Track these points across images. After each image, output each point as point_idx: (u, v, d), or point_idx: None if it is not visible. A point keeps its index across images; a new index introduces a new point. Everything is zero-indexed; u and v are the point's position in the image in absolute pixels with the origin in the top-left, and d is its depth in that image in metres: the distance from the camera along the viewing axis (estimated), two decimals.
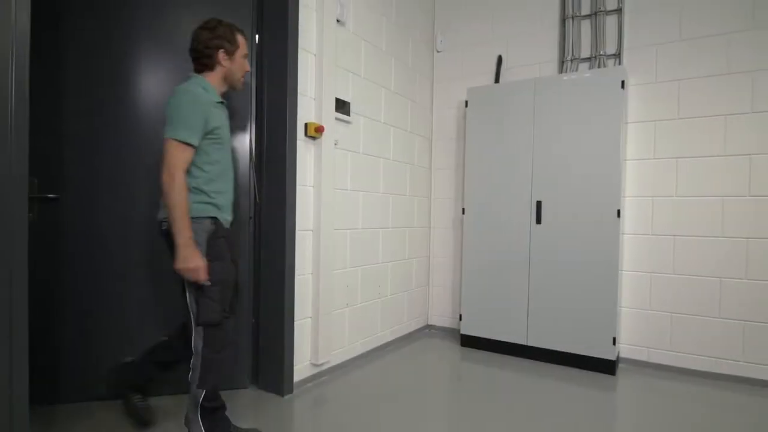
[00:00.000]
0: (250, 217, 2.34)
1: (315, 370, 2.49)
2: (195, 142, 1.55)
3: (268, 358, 2.33)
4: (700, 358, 2.68)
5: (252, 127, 2.33)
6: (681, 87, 2.74)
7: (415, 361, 2.86)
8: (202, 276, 1.54)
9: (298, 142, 2.32)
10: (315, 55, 2.41)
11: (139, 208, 2.04)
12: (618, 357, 2.82)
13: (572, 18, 3.04)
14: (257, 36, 2.32)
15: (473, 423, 2.05)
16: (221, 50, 1.66)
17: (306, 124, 2.36)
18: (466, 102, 3.15)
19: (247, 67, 1.76)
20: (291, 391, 2.32)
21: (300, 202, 2.35)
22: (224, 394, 2.21)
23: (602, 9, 2.93)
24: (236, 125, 2.23)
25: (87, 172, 2.00)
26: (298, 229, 2.34)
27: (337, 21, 2.53)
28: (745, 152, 2.58)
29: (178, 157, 1.52)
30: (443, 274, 3.58)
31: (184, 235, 1.51)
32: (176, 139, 1.52)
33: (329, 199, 2.47)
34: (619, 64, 2.89)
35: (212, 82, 1.67)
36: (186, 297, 1.63)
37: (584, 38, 3.03)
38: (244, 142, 2.29)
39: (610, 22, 2.94)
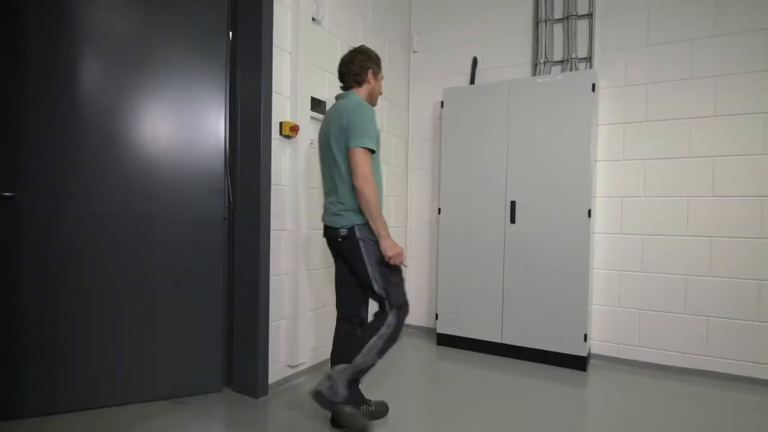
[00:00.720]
0: (225, 218, 2.30)
1: (291, 372, 2.47)
2: (376, 149, 1.80)
3: (242, 359, 2.30)
4: (667, 353, 2.77)
5: (226, 126, 2.29)
6: (648, 91, 2.82)
7: (392, 361, 2.87)
8: (401, 258, 1.82)
9: (273, 141, 2.30)
10: (290, 53, 2.39)
11: (96, 207, 1.98)
12: (589, 353, 2.89)
13: (545, 21, 3.10)
14: (230, 33, 2.28)
15: (449, 421, 2.07)
16: (370, 70, 1.96)
17: (281, 123, 2.33)
18: (442, 103, 3.17)
19: (382, 90, 1.99)
20: (266, 392, 2.29)
21: (275, 202, 2.33)
22: (196, 398, 2.17)
23: (574, 13, 3.00)
24: (209, 124, 2.19)
25: (43, 169, 1.92)
26: (273, 229, 2.31)
27: (313, 19, 2.51)
28: (708, 154, 2.68)
29: (367, 162, 1.76)
30: (420, 273, 3.60)
31: (384, 228, 1.80)
32: (364, 147, 1.75)
33: (305, 198, 2.45)
34: (590, 67, 2.96)
35: (362, 96, 1.93)
36: (372, 290, 1.87)
37: (557, 41, 3.10)
38: (219, 140, 2.25)
39: (582, 26, 3.01)
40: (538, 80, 2.84)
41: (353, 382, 1.87)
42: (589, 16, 2.97)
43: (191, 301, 2.16)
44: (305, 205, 2.46)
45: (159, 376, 2.11)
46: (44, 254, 1.91)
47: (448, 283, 3.13)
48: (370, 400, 2.00)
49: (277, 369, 2.38)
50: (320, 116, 2.59)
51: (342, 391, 1.80)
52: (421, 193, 3.59)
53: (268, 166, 2.26)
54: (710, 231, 2.67)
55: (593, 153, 2.76)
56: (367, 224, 1.83)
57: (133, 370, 2.06)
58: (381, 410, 2.03)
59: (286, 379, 2.44)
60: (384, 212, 3.11)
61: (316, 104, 2.56)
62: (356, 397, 1.90)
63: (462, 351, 3.08)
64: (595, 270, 2.96)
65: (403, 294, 1.92)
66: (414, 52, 3.63)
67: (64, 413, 1.96)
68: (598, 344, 2.95)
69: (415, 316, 3.61)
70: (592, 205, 2.76)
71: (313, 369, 2.63)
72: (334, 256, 2.02)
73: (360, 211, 1.83)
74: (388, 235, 1.81)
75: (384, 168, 3.29)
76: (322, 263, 2.69)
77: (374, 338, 1.83)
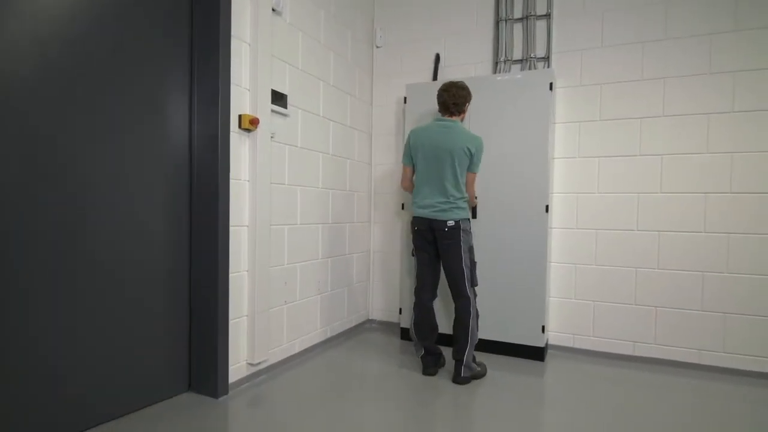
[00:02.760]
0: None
1: (252, 370, 2.42)
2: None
3: (201, 359, 2.24)
4: (620, 342, 2.90)
5: (192, 117, 2.21)
6: (603, 90, 2.93)
7: (355, 357, 2.87)
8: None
9: (232, 135, 2.24)
10: (249, 44, 2.33)
11: (43, 201, 1.87)
12: (547, 344, 2.98)
13: (505, 21, 3.16)
14: (191, 23, 2.20)
15: (410, 416, 2.08)
16: (467, 104, 2.54)
17: (240, 116, 2.27)
18: (405, 98, 3.18)
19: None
20: (226, 392, 2.24)
21: (234, 197, 2.27)
22: (158, 405, 2.09)
23: (533, 13, 3.07)
24: (176, 120, 2.11)
25: None
26: (232, 224, 2.26)
27: (273, 10, 2.46)
28: (657, 152, 2.81)
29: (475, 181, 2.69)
30: (383, 268, 3.61)
31: (473, 203, 2.65)
32: (477, 173, 2.58)
33: (265, 193, 2.41)
34: (548, 66, 3.04)
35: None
36: (461, 271, 2.45)
37: (516, 41, 3.16)
38: (184, 134, 2.16)
39: (540, 26, 3.09)
40: (499, 78, 2.89)
41: (473, 356, 2.50)
42: (547, 16, 3.05)
43: (153, 303, 2.07)
44: (267, 200, 2.41)
45: (117, 390, 1.95)
46: None
47: (411, 277, 3.16)
48: (478, 362, 2.60)
49: (237, 368, 2.33)
50: (282, 110, 2.54)
51: (473, 364, 2.49)
52: (384, 188, 3.60)
53: (226, 160, 2.20)
54: (658, 226, 2.81)
55: (550, 150, 2.85)
56: (468, 219, 2.50)
57: (84, 389, 1.83)
58: (484, 367, 2.60)
59: (247, 378, 2.39)
60: (348, 207, 3.10)
61: (278, 97, 2.51)
62: (477, 362, 2.56)
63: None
64: (552, 263, 3.06)
65: (477, 278, 2.64)
66: (377, 47, 3.62)
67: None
68: (555, 335, 3.05)
69: (379, 311, 3.62)
70: (550, 200, 2.84)
71: (275, 367, 2.59)
72: (421, 245, 2.55)
73: (465, 208, 2.48)
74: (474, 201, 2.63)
75: (347, 163, 3.28)
76: (284, 259, 2.64)
77: (472, 322, 2.44)
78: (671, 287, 2.78)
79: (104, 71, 1.85)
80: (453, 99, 2.48)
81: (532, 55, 3.08)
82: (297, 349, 2.79)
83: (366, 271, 3.59)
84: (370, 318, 3.65)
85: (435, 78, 3.36)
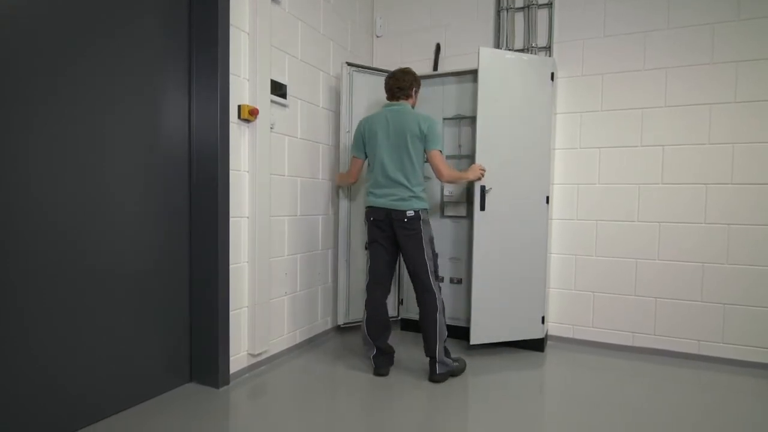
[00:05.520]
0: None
1: (253, 361, 2.43)
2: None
3: (202, 350, 2.25)
4: (619, 333, 2.91)
5: (192, 108, 2.20)
6: (604, 81, 2.91)
7: (356, 347, 2.87)
8: (480, 172, 2.57)
9: (231, 125, 2.23)
10: (248, 33, 2.31)
11: (46, 195, 1.86)
12: (546, 335, 2.99)
13: (507, 10, 3.13)
14: (188, 13, 2.18)
15: (414, 405, 2.09)
16: (414, 89, 2.46)
17: (239, 107, 2.26)
18: None
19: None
20: (227, 382, 2.25)
21: (234, 188, 2.26)
22: (160, 397, 2.10)
23: (534, 2, 3.04)
24: (175, 111, 2.09)
25: None
26: (232, 216, 2.25)
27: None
28: (659, 143, 2.80)
29: (443, 158, 2.38)
30: None
31: (465, 177, 2.51)
32: (440, 150, 2.35)
33: (265, 184, 2.40)
34: (550, 56, 3.02)
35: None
36: (423, 264, 2.33)
37: (518, 30, 3.14)
38: (183, 125, 2.15)
39: (542, 15, 3.06)
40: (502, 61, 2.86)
41: (446, 350, 2.38)
42: (549, 5, 3.02)
43: (153, 295, 2.07)
44: (267, 191, 2.41)
45: (119, 383, 1.95)
46: None
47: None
48: (454, 358, 2.47)
49: (238, 358, 2.34)
50: (281, 100, 2.53)
51: (447, 360, 2.36)
52: None
53: (226, 150, 2.19)
54: (659, 217, 2.80)
55: (551, 141, 2.83)
56: (427, 210, 2.38)
57: (86, 383, 1.82)
58: (463, 362, 2.51)
59: (248, 368, 2.40)
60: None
61: (277, 88, 2.50)
62: (452, 357, 2.43)
63: None
64: (552, 254, 3.06)
65: (439, 267, 2.54)
66: (377, 36, 3.59)
67: None
68: (554, 326, 3.06)
69: None
70: (550, 191, 2.83)
71: (276, 357, 2.60)
72: (377, 237, 2.42)
73: (423, 198, 2.37)
74: (467, 176, 2.51)
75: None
76: (285, 250, 2.64)
77: (439, 316, 2.33)
78: (671, 278, 2.79)
79: (100, 60, 1.83)
80: (397, 83, 2.40)
81: (533, 45, 3.05)
82: (298, 340, 2.80)
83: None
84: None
85: (435, 68, 3.33)
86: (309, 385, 2.29)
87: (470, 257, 2.95)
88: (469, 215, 2.97)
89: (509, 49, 3.12)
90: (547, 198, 2.76)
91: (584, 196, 2.98)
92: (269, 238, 2.46)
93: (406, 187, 2.33)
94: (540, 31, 3.07)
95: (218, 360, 2.20)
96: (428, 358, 2.37)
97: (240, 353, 2.35)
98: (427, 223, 2.37)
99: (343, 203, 2.97)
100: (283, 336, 2.66)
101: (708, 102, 2.68)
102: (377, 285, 2.45)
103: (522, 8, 3.11)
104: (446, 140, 3.06)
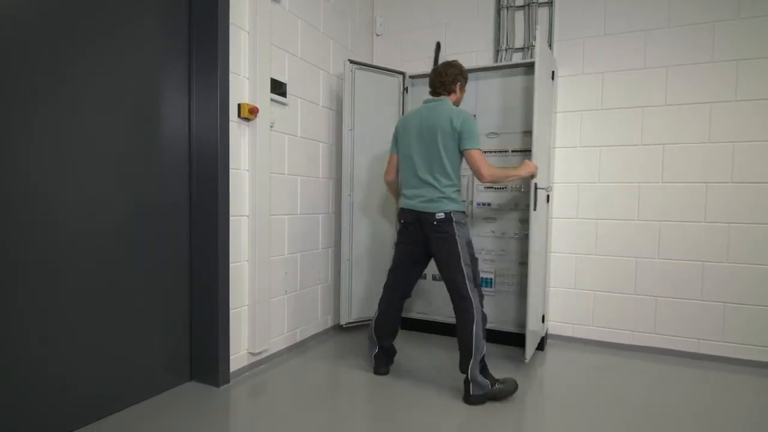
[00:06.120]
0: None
1: (253, 359, 2.43)
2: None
3: (203, 349, 2.25)
4: (619, 331, 2.91)
5: (191, 106, 2.20)
6: (604, 79, 2.91)
7: (356, 347, 2.88)
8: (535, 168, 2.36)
9: (231, 124, 2.23)
10: (248, 32, 2.31)
11: (44, 192, 1.86)
12: (546, 333, 2.99)
13: (507, 8, 3.13)
14: (188, 12, 2.17)
15: (413, 405, 2.09)
16: (459, 83, 2.28)
17: (239, 105, 2.26)
18: (407, 88, 3.15)
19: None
20: (227, 381, 2.25)
21: (234, 187, 2.26)
22: (161, 396, 2.10)
23: (535, 1, 3.03)
24: (175, 110, 2.09)
25: None
26: (232, 214, 2.25)
27: None
28: (659, 142, 2.79)
29: (483, 157, 2.16)
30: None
31: (514, 175, 2.30)
32: (479, 148, 2.14)
33: (265, 183, 2.40)
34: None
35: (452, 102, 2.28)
36: (460, 270, 2.12)
37: (518, 28, 3.13)
38: (183, 124, 2.15)
39: (542, 13, 3.05)
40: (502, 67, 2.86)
41: (483, 369, 2.12)
42: (549, 4, 3.02)
43: (153, 294, 2.07)
44: (267, 190, 2.41)
45: (120, 381, 1.95)
46: None
47: None
48: (500, 379, 2.18)
49: (239, 357, 2.34)
50: (281, 99, 2.53)
51: (483, 381, 2.08)
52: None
53: (226, 149, 2.19)
54: (659, 215, 2.80)
55: (552, 140, 2.83)
56: (460, 211, 2.20)
57: (86, 382, 1.82)
58: (513, 384, 2.18)
59: (249, 367, 2.40)
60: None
61: (277, 86, 2.49)
62: (492, 378, 2.15)
63: (424, 334, 3.12)
64: (552, 253, 3.05)
65: (479, 274, 2.29)
66: (377, 35, 3.59)
67: None
68: (554, 324, 3.06)
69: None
70: (551, 190, 2.83)
71: (276, 356, 2.60)
72: (403, 239, 2.32)
73: (456, 199, 2.19)
74: (517, 171, 2.31)
75: None
76: (284, 249, 2.64)
77: (476, 328, 2.09)
78: (671, 277, 2.79)
79: (100, 60, 1.83)
80: (439, 78, 2.26)
81: (533, 43, 3.04)
82: (298, 339, 2.80)
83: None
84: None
85: None
86: (309, 383, 2.29)
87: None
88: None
89: (509, 48, 3.12)
90: (548, 197, 2.76)
91: (584, 195, 2.98)
92: (269, 237, 2.46)
93: (435, 188, 2.18)
94: (540, 29, 3.06)
95: (218, 359, 2.20)
96: (463, 375, 2.14)
97: (240, 352, 2.35)
98: (462, 225, 2.18)
99: (345, 202, 2.97)
100: (283, 335, 2.66)
101: (708, 100, 2.68)
102: (394, 287, 2.37)
103: (522, 7, 3.10)
104: None
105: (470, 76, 2.90)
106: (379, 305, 2.41)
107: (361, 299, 3.05)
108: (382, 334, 2.38)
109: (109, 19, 1.85)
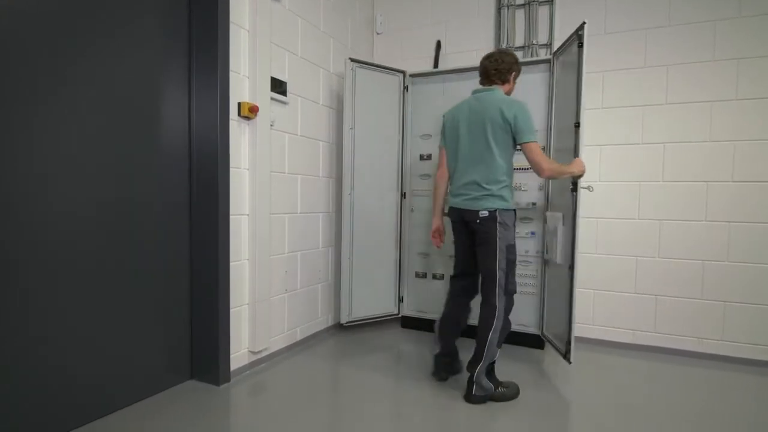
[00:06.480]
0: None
1: (253, 358, 2.43)
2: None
3: (203, 348, 2.25)
4: (619, 330, 2.91)
5: (191, 105, 2.20)
6: (605, 78, 2.90)
7: (355, 344, 2.88)
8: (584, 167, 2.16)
9: (231, 123, 2.22)
10: (248, 31, 2.30)
11: (46, 191, 1.86)
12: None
13: (507, 7, 3.12)
14: (188, 11, 2.17)
15: (413, 404, 2.10)
16: (513, 73, 2.18)
17: (239, 104, 2.26)
18: (407, 87, 3.15)
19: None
20: (228, 379, 2.25)
21: (234, 186, 2.26)
22: (162, 394, 2.10)
23: None
24: (175, 108, 2.09)
25: None
26: (232, 213, 2.25)
27: None
28: (660, 141, 2.79)
29: (540, 151, 2.01)
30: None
31: (569, 171, 2.09)
32: (534, 140, 2.01)
33: (265, 182, 2.40)
34: (551, 53, 3.01)
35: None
36: (492, 272, 2.04)
37: (518, 27, 3.13)
38: (183, 122, 2.15)
39: (543, 12, 3.05)
40: None
41: (489, 372, 2.10)
42: (550, 2, 3.01)
43: (154, 292, 2.07)
44: (267, 189, 2.41)
45: (121, 380, 1.95)
46: None
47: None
48: (504, 382, 2.17)
49: (239, 355, 2.34)
50: (281, 97, 2.52)
51: (487, 384, 2.06)
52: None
53: (226, 148, 2.19)
54: (659, 214, 2.80)
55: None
56: (509, 210, 2.08)
57: (87, 380, 1.82)
58: (515, 389, 2.17)
59: (249, 366, 2.41)
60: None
61: (277, 85, 2.49)
62: (496, 381, 2.13)
63: (426, 333, 3.12)
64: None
65: (515, 283, 2.17)
66: (377, 33, 3.58)
67: None
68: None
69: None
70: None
71: (277, 355, 2.61)
72: (457, 237, 2.25)
73: (504, 196, 2.06)
74: (570, 168, 2.12)
75: None
76: (285, 248, 2.64)
77: (491, 335, 2.04)
78: (672, 276, 2.78)
79: (100, 60, 1.82)
80: (494, 65, 2.13)
81: (534, 42, 3.04)
82: (298, 337, 2.80)
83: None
84: None
85: (436, 65, 3.32)
86: (309, 382, 2.29)
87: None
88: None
89: (510, 46, 3.11)
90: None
91: (585, 194, 2.97)
92: (269, 236, 2.46)
93: (479, 184, 2.07)
94: (541, 28, 3.06)
95: (219, 357, 2.20)
96: (468, 374, 2.10)
97: (240, 351, 2.35)
98: (506, 226, 2.05)
99: (346, 200, 2.96)
100: (283, 333, 2.67)
101: (709, 99, 2.68)
102: (460, 279, 2.27)
103: (523, 5, 3.10)
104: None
105: (469, 75, 2.92)
106: (445, 304, 2.34)
107: (362, 298, 3.05)
108: (442, 331, 2.29)
109: (109, 19, 1.85)
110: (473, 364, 2.07)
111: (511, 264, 2.09)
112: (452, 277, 2.33)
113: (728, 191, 2.65)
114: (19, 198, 1.59)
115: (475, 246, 2.14)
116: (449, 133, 2.23)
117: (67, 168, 1.72)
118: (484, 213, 2.05)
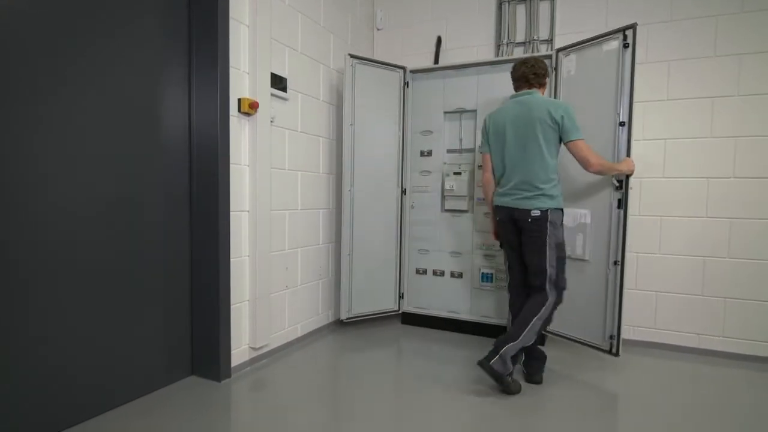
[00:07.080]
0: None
1: (254, 354, 2.44)
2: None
3: (204, 344, 2.25)
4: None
5: (192, 101, 2.19)
6: None
7: (356, 340, 2.88)
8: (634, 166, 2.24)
9: (231, 119, 2.22)
10: (248, 26, 2.29)
11: (46, 189, 1.85)
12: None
13: (508, 2, 3.11)
14: (188, 7, 2.16)
15: (414, 400, 2.10)
16: (547, 77, 2.29)
17: (239, 100, 2.25)
18: (407, 83, 3.14)
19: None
20: (228, 376, 2.26)
21: (234, 182, 2.26)
22: (162, 390, 2.11)
23: None
24: (175, 104, 2.08)
25: None
26: (232, 210, 2.25)
27: None
28: (661, 137, 2.78)
29: (587, 146, 2.10)
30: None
31: (617, 169, 2.19)
32: (582, 138, 2.09)
33: (265, 178, 2.39)
34: (551, 49, 3.00)
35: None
36: (543, 270, 2.12)
37: (519, 22, 3.11)
38: (183, 119, 2.14)
39: (543, 7, 3.04)
40: (503, 62, 2.85)
41: (515, 356, 2.11)
42: None
43: (154, 289, 2.07)
44: (267, 185, 2.40)
45: (122, 376, 1.95)
46: None
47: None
48: (513, 376, 2.19)
49: (240, 352, 2.34)
50: (281, 93, 2.52)
51: (509, 363, 2.08)
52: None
53: (226, 144, 2.18)
54: (660, 210, 2.80)
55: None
56: (558, 209, 2.14)
57: (88, 376, 1.83)
58: (517, 384, 2.17)
59: (249, 362, 2.41)
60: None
61: (277, 81, 2.48)
62: (513, 369, 2.15)
63: (422, 328, 3.13)
64: None
65: (566, 280, 2.21)
66: (378, 29, 3.57)
67: None
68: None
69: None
70: None
71: (277, 351, 2.61)
72: (505, 238, 2.30)
73: (555, 196, 2.13)
74: (619, 166, 2.20)
75: None
76: (285, 244, 2.64)
77: (535, 319, 2.09)
78: (672, 272, 2.78)
79: (100, 60, 1.82)
80: (533, 69, 2.22)
81: (535, 38, 3.03)
82: (299, 334, 2.81)
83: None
84: None
85: (436, 62, 3.31)
86: (310, 378, 2.30)
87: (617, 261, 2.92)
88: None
89: (510, 42, 3.10)
90: None
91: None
92: (270, 232, 2.46)
93: (531, 184, 2.14)
94: (542, 24, 3.04)
95: (219, 353, 2.21)
96: (493, 344, 2.11)
97: (241, 347, 2.36)
98: (556, 225, 2.13)
99: (346, 197, 2.96)
100: (284, 330, 2.67)
101: (710, 95, 2.67)
102: (518, 285, 2.31)
103: (523, 1, 3.08)
104: (447, 134, 3.05)
105: (470, 71, 2.91)
106: (511, 308, 2.37)
107: (362, 294, 3.05)
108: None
109: (109, 19, 1.84)
110: (506, 340, 2.09)
111: (561, 261, 2.17)
112: (510, 286, 2.36)
113: (729, 187, 2.64)
114: (19, 198, 1.59)
115: (523, 245, 2.20)
116: (494, 137, 2.29)
117: (67, 167, 1.72)
118: (536, 212, 2.12)
